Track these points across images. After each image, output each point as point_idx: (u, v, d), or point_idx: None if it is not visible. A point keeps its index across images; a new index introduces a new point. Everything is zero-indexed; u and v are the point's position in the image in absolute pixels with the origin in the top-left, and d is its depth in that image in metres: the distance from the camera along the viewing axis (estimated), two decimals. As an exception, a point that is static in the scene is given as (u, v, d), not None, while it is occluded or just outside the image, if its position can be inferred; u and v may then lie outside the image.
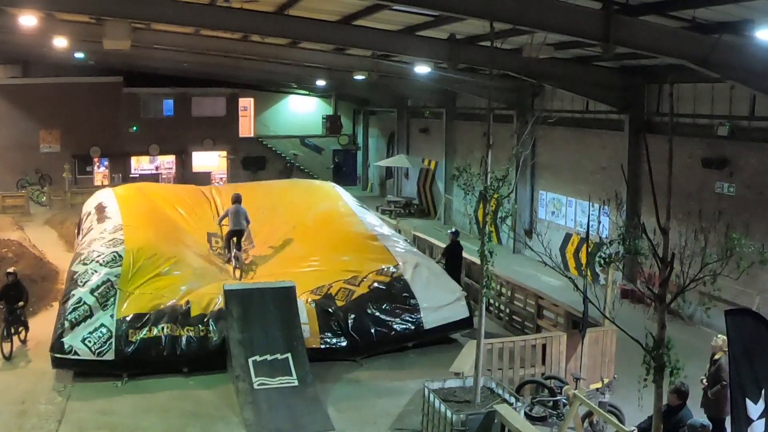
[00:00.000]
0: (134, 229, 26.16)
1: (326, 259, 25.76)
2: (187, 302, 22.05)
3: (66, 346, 20.30)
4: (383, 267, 24.69)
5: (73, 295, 21.60)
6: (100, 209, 28.98)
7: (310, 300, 23.07)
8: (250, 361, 19.83)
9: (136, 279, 22.81)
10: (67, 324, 20.59)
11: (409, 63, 35.93)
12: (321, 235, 28.01)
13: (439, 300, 23.75)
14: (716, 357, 16.77)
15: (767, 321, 12.30)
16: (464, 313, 23.64)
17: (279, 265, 26.97)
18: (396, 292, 23.74)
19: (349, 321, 22.63)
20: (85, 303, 21.27)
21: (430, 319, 23.40)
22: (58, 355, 20.32)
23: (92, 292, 21.70)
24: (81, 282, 22.14)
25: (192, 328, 21.25)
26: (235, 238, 27.82)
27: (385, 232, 28.78)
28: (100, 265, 23.04)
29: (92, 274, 22.51)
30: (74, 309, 21.02)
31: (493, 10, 17.73)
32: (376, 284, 23.95)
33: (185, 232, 28.68)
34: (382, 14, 26.07)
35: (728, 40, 20.54)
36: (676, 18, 21.00)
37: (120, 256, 23.50)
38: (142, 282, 22.80)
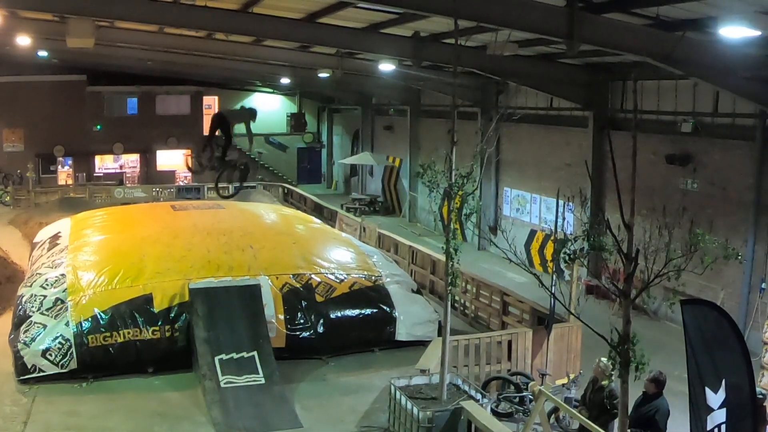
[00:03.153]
0: (78, 245, 25.67)
1: (308, 263, 25.36)
2: (150, 294, 21.70)
3: (29, 366, 19.89)
4: (366, 273, 24.67)
5: (25, 321, 21.15)
6: (54, 238, 28.56)
7: (285, 285, 23.07)
8: (216, 359, 19.73)
9: (85, 284, 22.03)
10: (20, 345, 20.12)
11: (373, 60, 35.95)
12: (306, 243, 27.48)
13: (414, 317, 23.66)
14: None
15: (727, 314, 12.44)
16: (433, 336, 23.64)
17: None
18: (376, 299, 23.74)
19: (323, 320, 22.63)
20: (36, 323, 20.70)
21: (403, 333, 23.28)
22: (24, 377, 19.92)
23: (43, 313, 21.08)
24: (30, 310, 21.34)
25: (157, 329, 21.05)
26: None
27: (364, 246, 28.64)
28: (45, 288, 22.28)
29: (41, 299, 21.73)
30: (26, 330, 20.48)
31: (457, 7, 17.73)
32: (357, 285, 23.91)
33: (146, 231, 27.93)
34: (346, 12, 26.06)
35: (692, 37, 20.70)
36: (640, 15, 21.11)
37: (63, 275, 22.76)
38: (92, 282, 22.06)
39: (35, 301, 21.65)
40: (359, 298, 23.51)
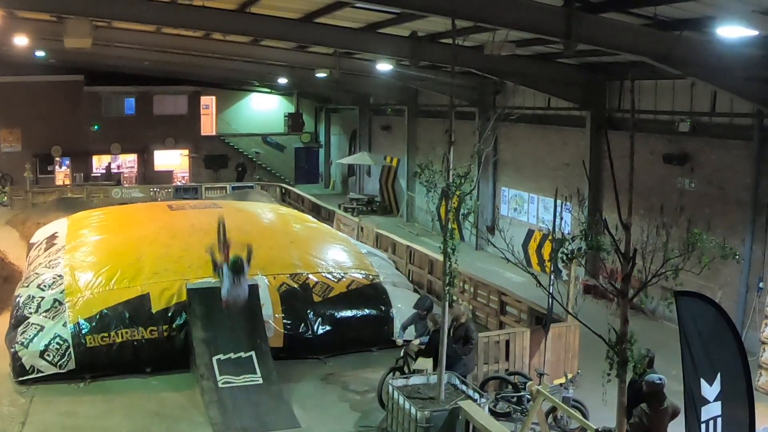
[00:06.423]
0: (75, 245, 25.85)
1: (306, 262, 25.33)
2: (147, 294, 21.72)
3: (27, 367, 19.88)
4: (364, 272, 24.70)
5: (23, 322, 21.11)
6: (51, 238, 28.58)
7: (283, 285, 23.09)
8: (214, 359, 19.74)
9: (83, 284, 22.09)
10: (18, 347, 20.13)
11: (371, 60, 35.95)
12: (303, 242, 27.50)
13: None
14: None
15: (722, 308, 12.44)
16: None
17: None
18: (374, 298, 23.79)
19: (321, 320, 22.68)
20: (33, 324, 20.77)
21: (401, 333, 23.41)
22: (22, 378, 19.88)
23: (40, 313, 21.16)
24: (28, 311, 21.42)
25: (155, 329, 21.04)
26: None
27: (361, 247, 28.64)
28: (42, 289, 22.35)
29: (39, 300, 21.78)
30: (24, 332, 20.53)
31: (454, 7, 17.75)
32: (355, 285, 23.94)
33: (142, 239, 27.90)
34: (344, 12, 26.06)
35: (689, 36, 20.70)
36: (638, 15, 21.11)
37: (60, 276, 22.87)
38: (89, 282, 22.15)
39: (33, 302, 21.68)
40: (357, 298, 23.54)
